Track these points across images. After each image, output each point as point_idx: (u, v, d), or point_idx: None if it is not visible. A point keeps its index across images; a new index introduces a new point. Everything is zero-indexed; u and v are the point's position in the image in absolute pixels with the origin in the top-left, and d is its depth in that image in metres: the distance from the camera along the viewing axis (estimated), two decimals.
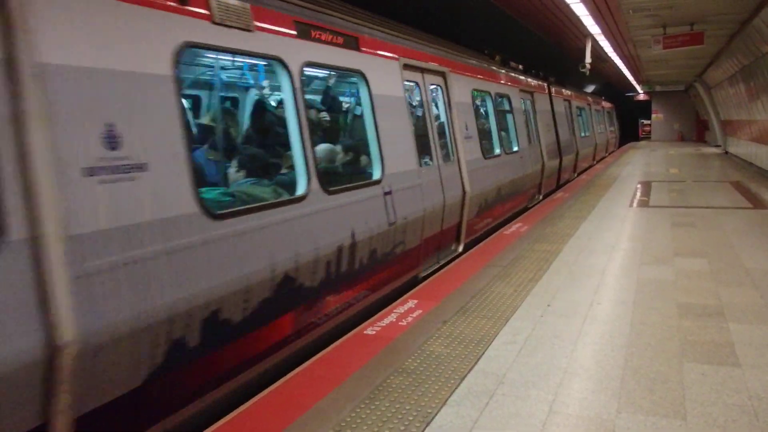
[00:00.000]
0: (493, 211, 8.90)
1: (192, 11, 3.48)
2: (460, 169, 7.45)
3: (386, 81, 5.78)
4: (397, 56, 6.20)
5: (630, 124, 44.60)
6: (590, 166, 20.47)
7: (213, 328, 3.37)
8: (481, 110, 10.04)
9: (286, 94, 4.42)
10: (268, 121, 5.18)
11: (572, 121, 17.38)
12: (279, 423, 3.19)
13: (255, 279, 3.68)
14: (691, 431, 3.01)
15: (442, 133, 7.45)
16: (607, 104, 28.99)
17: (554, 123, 14.51)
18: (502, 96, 10.34)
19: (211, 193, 3.90)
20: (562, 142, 14.86)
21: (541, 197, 12.56)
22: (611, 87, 38.73)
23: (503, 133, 10.12)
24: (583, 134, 19.29)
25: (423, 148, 6.44)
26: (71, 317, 2.57)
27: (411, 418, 3.21)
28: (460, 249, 7.43)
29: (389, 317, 4.83)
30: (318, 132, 5.42)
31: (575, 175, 17.34)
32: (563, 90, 16.98)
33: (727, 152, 24.52)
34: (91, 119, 2.80)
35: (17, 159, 2.48)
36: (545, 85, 14.54)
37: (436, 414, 3.25)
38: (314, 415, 3.26)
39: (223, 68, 5.72)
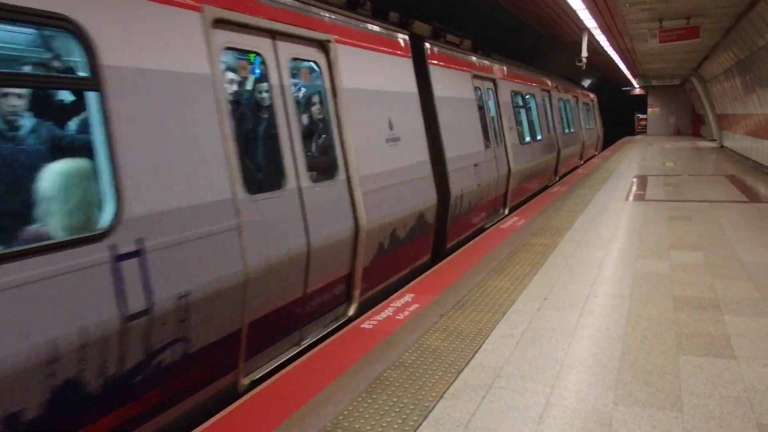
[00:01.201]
0: None
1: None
2: None
3: None
4: None
5: (626, 119, 44.70)
6: (545, 188, 13.66)
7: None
8: None
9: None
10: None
11: (499, 118, 10.19)
12: (277, 417, 3.19)
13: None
14: (688, 423, 3.03)
15: None
16: (585, 94, 22.73)
17: (433, 124, 7.23)
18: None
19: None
20: (456, 161, 7.63)
21: (350, 311, 5.20)
22: (606, 80, 38.76)
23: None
24: (529, 139, 12.09)
25: None
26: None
27: (408, 412, 3.21)
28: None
29: (386, 311, 4.83)
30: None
31: (506, 211, 10.35)
32: (474, 60, 9.39)
33: (722, 146, 24.58)
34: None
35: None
36: (404, 39, 6.76)
37: (433, 407, 3.25)
38: (312, 409, 3.26)
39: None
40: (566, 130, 16.62)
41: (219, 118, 3.69)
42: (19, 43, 3.26)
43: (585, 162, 20.22)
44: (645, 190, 12.04)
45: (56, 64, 3.15)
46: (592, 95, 24.45)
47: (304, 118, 4.91)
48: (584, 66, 17.34)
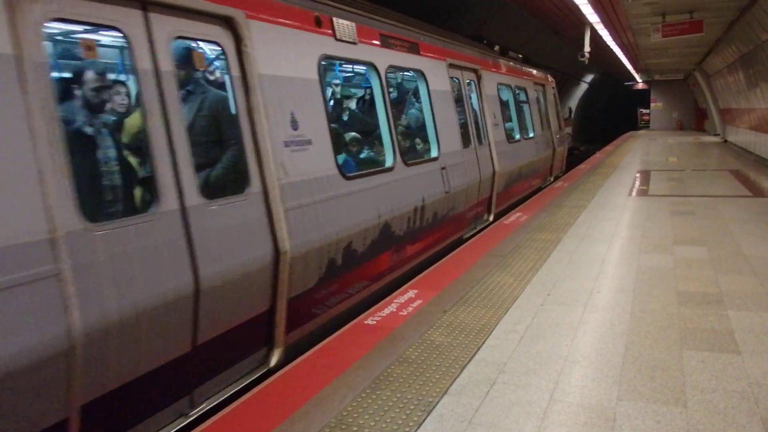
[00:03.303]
0: None
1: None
2: None
3: None
4: None
5: (628, 114, 44.65)
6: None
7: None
8: None
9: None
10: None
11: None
12: (281, 413, 3.19)
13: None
14: (692, 418, 3.03)
15: None
16: (524, 73, 12.70)
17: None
18: None
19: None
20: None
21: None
22: (608, 74, 38.63)
23: None
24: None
25: None
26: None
27: (412, 407, 3.22)
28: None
29: (389, 307, 4.83)
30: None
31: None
32: None
33: (726, 141, 24.50)
34: None
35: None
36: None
37: (437, 403, 3.26)
38: (316, 405, 3.27)
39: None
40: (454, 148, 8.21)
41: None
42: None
43: (517, 205, 10.61)
44: (648, 185, 12.02)
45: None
46: (541, 75, 14.51)
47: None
48: (587, 61, 17.28)
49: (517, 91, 11.68)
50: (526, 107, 12.41)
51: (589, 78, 39.99)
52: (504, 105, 10.86)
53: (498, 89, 10.28)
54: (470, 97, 8.95)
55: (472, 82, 9.14)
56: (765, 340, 3.97)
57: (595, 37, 17.35)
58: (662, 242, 6.86)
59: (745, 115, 18.77)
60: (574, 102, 41.45)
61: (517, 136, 11.20)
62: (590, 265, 5.99)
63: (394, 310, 4.77)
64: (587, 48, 16.62)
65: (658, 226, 7.77)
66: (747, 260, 5.94)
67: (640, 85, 39.96)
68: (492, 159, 9.24)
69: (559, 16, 16.04)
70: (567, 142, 17.17)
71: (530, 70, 13.47)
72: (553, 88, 15.99)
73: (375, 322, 4.51)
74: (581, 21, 15.51)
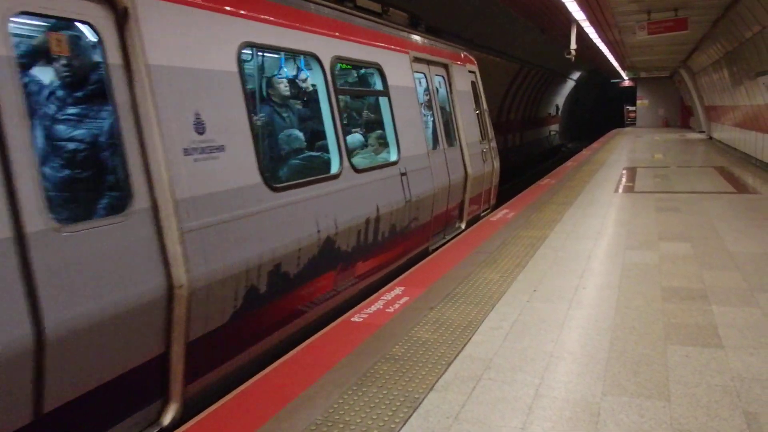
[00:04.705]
0: None
1: None
2: None
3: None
4: None
5: (615, 111, 45.05)
6: None
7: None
8: None
9: None
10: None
11: None
12: (267, 411, 3.18)
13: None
14: (675, 412, 3.05)
15: None
16: (381, 37, 6.41)
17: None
18: None
19: None
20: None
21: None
22: (595, 72, 38.84)
23: None
24: None
25: None
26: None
27: (398, 404, 3.21)
28: None
29: (376, 304, 4.83)
30: None
31: None
32: None
33: (711, 138, 24.73)
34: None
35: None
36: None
37: (423, 399, 3.26)
38: (302, 403, 3.26)
39: None
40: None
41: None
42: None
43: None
44: (634, 182, 12.11)
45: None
46: (442, 49, 8.55)
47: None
48: (573, 58, 17.35)
49: (348, 72, 6.60)
50: (384, 104, 6.36)
51: (575, 75, 40.20)
52: (280, 101, 5.25)
53: (264, 65, 5.32)
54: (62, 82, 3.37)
55: (97, 43, 3.15)
56: (748, 334, 4.01)
57: (582, 34, 17.42)
58: (647, 238, 6.91)
59: (729, 112, 18.95)
60: (561, 99, 41.68)
61: (336, 168, 5.17)
62: (576, 261, 6.02)
63: (381, 307, 4.77)
64: (573, 45, 16.68)
65: (643, 223, 7.83)
66: (731, 256, 6.00)
67: (627, 83, 40.30)
68: (165, 253, 3.23)
69: (545, 13, 16.09)
70: (496, 159, 10.33)
71: (408, 36, 7.27)
72: (471, 72, 9.64)
73: (361, 320, 4.50)
74: (567, 18, 15.56)
